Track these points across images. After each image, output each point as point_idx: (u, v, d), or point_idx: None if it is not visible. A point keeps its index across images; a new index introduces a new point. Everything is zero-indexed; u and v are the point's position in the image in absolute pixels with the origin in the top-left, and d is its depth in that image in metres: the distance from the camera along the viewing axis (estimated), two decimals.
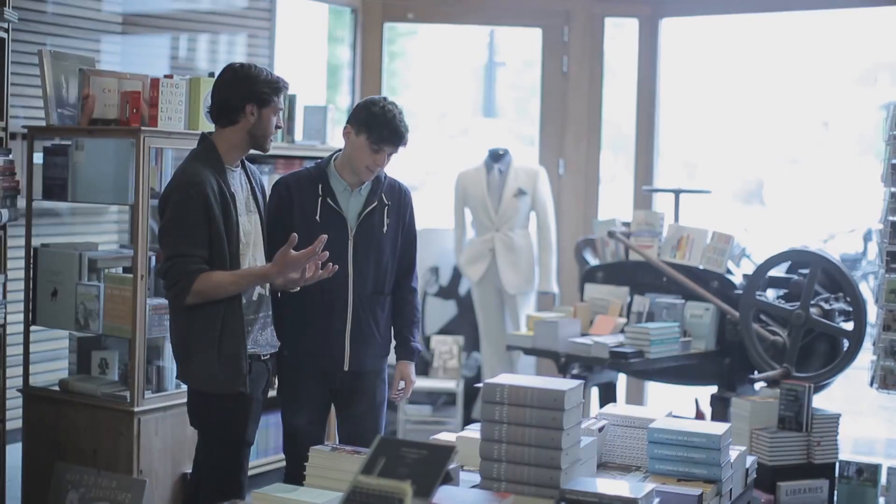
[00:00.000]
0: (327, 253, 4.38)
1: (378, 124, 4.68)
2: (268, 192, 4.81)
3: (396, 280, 4.96)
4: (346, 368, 4.81)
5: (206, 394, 4.43)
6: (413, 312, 5.00)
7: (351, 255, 4.78)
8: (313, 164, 4.93)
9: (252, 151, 4.57)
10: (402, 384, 4.99)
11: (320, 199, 4.77)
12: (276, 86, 4.45)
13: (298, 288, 4.55)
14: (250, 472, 4.99)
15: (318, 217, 4.74)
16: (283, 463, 5.06)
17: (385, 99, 4.78)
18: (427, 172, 13.04)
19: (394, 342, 5.02)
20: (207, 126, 5.43)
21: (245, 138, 4.44)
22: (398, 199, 4.91)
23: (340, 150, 4.86)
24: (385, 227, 4.84)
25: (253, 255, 4.51)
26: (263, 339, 4.56)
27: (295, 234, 4.32)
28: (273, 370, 4.72)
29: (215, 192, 4.32)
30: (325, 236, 4.34)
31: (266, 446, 6.12)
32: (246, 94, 4.39)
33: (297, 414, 4.85)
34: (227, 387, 4.37)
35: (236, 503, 3.35)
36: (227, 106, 4.41)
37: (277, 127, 4.51)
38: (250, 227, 4.51)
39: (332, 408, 4.98)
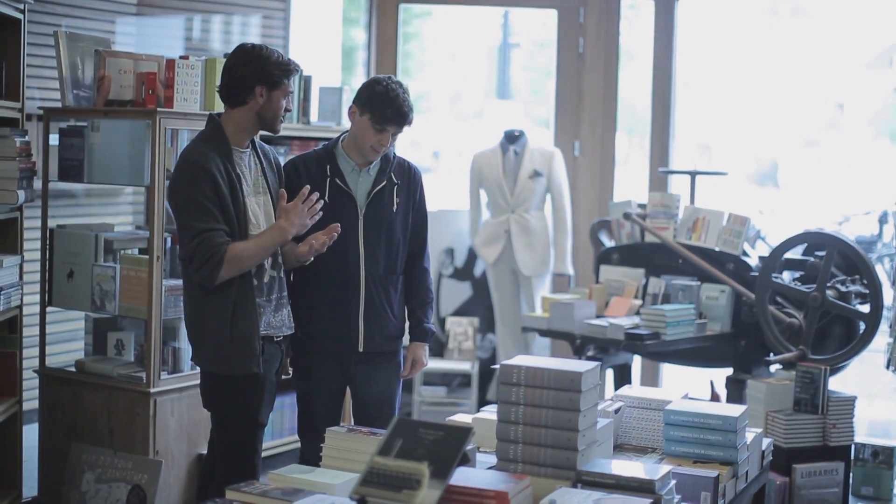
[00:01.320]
0: (321, 213, 4.43)
1: (381, 104, 4.66)
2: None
3: (408, 260, 4.95)
4: (360, 349, 4.81)
5: (218, 375, 4.44)
6: (426, 293, 4.99)
7: (361, 235, 4.77)
8: (321, 146, 4.92)
9: (263, 133, 4.57)
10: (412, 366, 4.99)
11: (329, 179, 4.76)
12: (287, 68, 4.43)
13: (311, 259, 4.55)
14: (265, 454, 5.01)
15: (326, 197, 4.73)
16: (298, 445, 5.06)
17: (390, 78, 4.75)
18: (440, 154, 13.05)
19: (407, 323, 5.01)
20: (223, 107, 5.44)
21: (253, 119, 4.43)
22: (408, 179, 4.89)
23: (348, 130, 4.85)
24: (395, 206, 4.82)
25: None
26: (278, 321, 4.55)
27: (307, 186, 4.43)
28: (287, 352, 4.72)
29: (221, 173, 4.31)
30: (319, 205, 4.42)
31: (281, 428, 6.13)
32: (256, 75, 4.37)
33: (313, 396, 4.85)
34: (240, 368, 4.38)
35: (252, 483, 3.34)
36: (236, 86, 4.40)
37: (287, 109, 4.50)
38: (259, 208, 4.49)
39: (348, 389, 4.98)
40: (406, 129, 4.78)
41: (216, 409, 4.54)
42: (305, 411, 4.89)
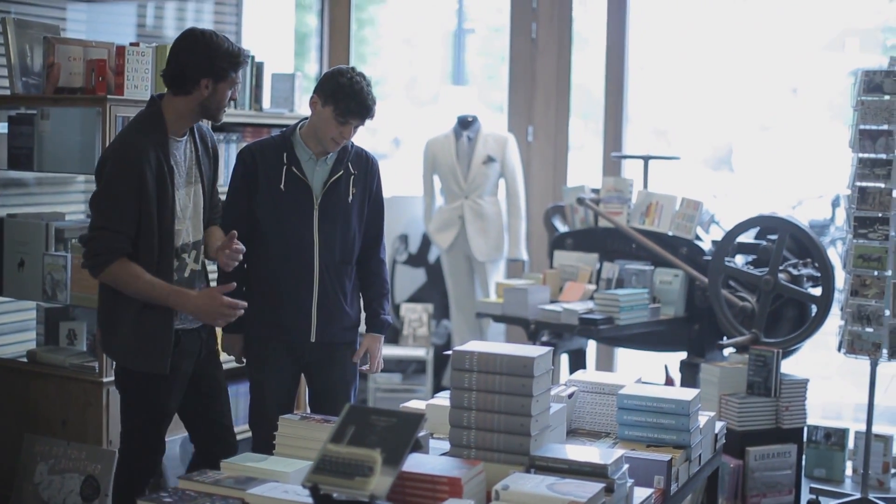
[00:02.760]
0: (241, 311, 4.36)
1: (345, 96, 4.62)
2: (225, 157, 4.77)
3: (364, 251, 4.93)
4: (312, 340, 4.79)
5: (126, 368, 4.40)
6: (382, 285, 4.98)
7: (316, 225, 4.75)
8: (279, 133, 4.90)
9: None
10: (367, 357, 4.97)
11: (285, 167, 4.73)
12: (236, 60, 4.34)
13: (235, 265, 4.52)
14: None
15: (282, 186, 4.71)
16: (250, 434, 5.04)
17: (353, 70, 4.71)
18: (400, 141, 13.02)
19: (363, 314, 5.00)
20: None
21: (196, 109, 4.35)
22: (365, 168, 4.87)
23: (307, 118, 4.81)
24: (350, 197, 4.80)
25: (188, 228, 4.44)
26: None
27: (234, 232, 4.41)
28: (210, 338, 4.64)
29: (152, 167, 4.22)
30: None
31: (235, 417, 6.10)
32: (203, 67, 4.28)
33: (265, 385, 4.83)
34: (146, 366, 4.33)
35: (204, 472, 3.33)
36: (182, 75, 4.30)
37: (232, 98, 4.43)
38: (188, 199, 4.42)
39: (304, 380, 4.97)
40: (368, 122, 4.77)
41: (123, 396, 4.49)
42: (258, 400, 4.87)
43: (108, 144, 5.16)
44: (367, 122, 4.77)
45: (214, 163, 4.62)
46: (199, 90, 4.30)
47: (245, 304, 4.35)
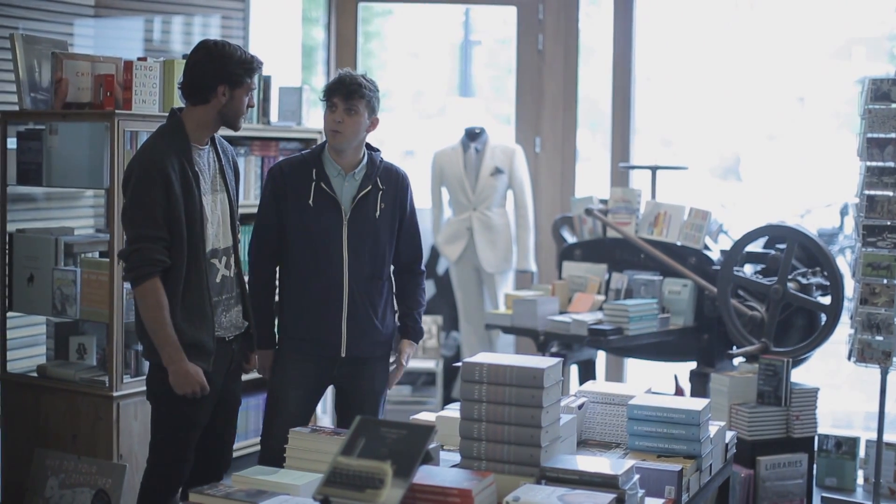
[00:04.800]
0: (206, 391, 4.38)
1: (328, 82, 4.75)
2: (240, 171, 4.79)
3: (405, 265, 4.95)
4: (343, 355, 4.79)
5: (162, 380, 4.38)
6: (422, 295, 5.00)
7: (345, 240, 4.74)
8: (308, 150, 4.91)
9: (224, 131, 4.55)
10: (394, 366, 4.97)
11: (314, 183, 4.74)
12: (250, 66, 4.41)
13: None
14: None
15: (311, 201, 4.72)
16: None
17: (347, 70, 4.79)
18: (414, 152, 13.04)
19: (398, 323, 4.99)
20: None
21: (215, 117, 4.40)
22: (394, 184, 4.86)
23: None
24: (378, 212, 4.80)
25: (217, 234, 4.46)
26: (227, 322, 4.51)
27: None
28: (238, 352, 4.65)
29: (177, 172, 4.27)
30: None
31: (246, 430, 6.12)
32: (219, 74, 4.34)
33: (288, 399, 4.80)
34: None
35: (216, 486, 3.33)
36: (198, 85, 4.36)
37: (249, 106, 4.48)
38: (215, 206, 4.46)
39: (330, 394, 4.95)
40: (360, 103, 4.69)
41: (156, 407, 4.49)
42: (276, 413, 4.83)
43: (116, 159, 5.19)
44: (361, 105, 4.69)
45: (236, 176, 4.65)
46: (216, 97, 4.35)
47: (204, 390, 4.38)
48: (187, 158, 4.34)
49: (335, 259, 4.73)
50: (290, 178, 4.76)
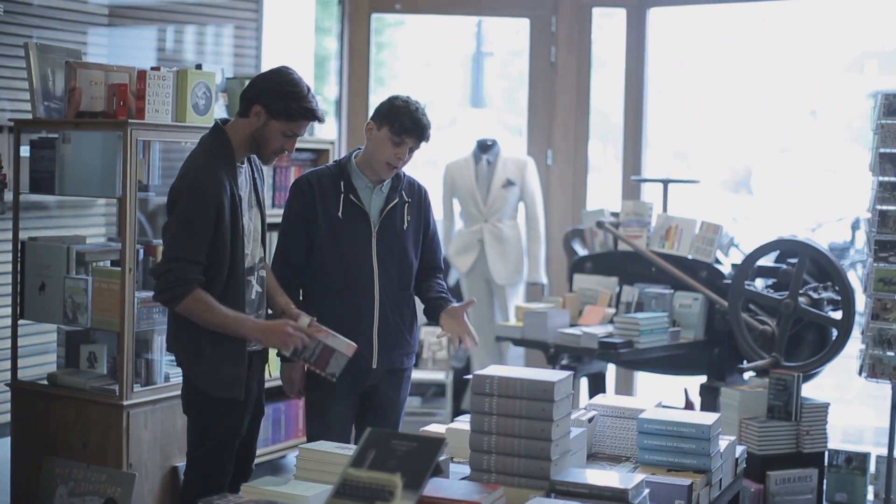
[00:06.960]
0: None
1: (401, 114, 4.62)
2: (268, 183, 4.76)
3: (427, 275, 4.93)
4: (374, 366, 4.77)
5: (206, 392, 4.37)
6: (444, 286, 4.96)
7: (375, 252, 4.74)
8: (333, 162, 4.90)
9: None
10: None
11: (342, 195, 4.73)
12: (300, 106, 4.32)
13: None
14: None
15: (340, 213, 4.71)
16: (274, 455, 5.02)
17: (409, 96, 4.73)
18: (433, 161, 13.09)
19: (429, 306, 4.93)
20: (195, 118, 5.43)
21: (249, 137, 4.34)
22: (418, 197, 4.88)
23: (360, 147, 4.81)
24: (405, 224, 4.80)
25: (252, 251, 4.45)
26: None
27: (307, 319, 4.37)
28: (265, 359, 4.64)
29: (228, 198, 4.24)
30: None
31: (262, 438, 6.11)
32: (264, 93, 4.29)
33: (329, 414, 4.77)
34: (228, 392, 4.32)
35: (225, 497, 3.33)
36: (246, 95, 4.34)
37: (286, 149, 4.41)
38: (251, 224, 4.44)
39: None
40: (423, 145, 4.75)
41: (196, 419, 4.46)
42: (322, 431, 4.71)
43: (128, 169, 5.19)
44: (423, 145, 4.74)
45: (263, 180, 4.63)
46: (251, 116, 4.31)
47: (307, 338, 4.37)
48: (234, 181, 4.30)
49: (365, 271, 4.72)
50: (318, 189, 4.74)
